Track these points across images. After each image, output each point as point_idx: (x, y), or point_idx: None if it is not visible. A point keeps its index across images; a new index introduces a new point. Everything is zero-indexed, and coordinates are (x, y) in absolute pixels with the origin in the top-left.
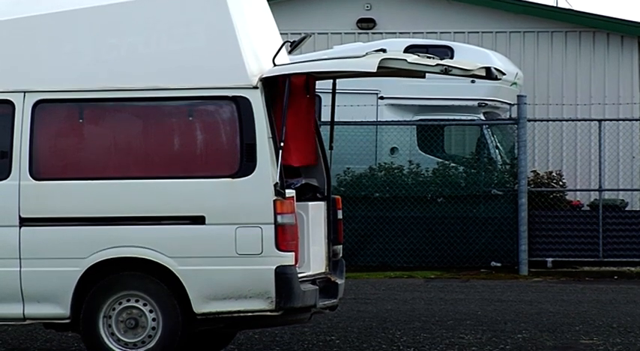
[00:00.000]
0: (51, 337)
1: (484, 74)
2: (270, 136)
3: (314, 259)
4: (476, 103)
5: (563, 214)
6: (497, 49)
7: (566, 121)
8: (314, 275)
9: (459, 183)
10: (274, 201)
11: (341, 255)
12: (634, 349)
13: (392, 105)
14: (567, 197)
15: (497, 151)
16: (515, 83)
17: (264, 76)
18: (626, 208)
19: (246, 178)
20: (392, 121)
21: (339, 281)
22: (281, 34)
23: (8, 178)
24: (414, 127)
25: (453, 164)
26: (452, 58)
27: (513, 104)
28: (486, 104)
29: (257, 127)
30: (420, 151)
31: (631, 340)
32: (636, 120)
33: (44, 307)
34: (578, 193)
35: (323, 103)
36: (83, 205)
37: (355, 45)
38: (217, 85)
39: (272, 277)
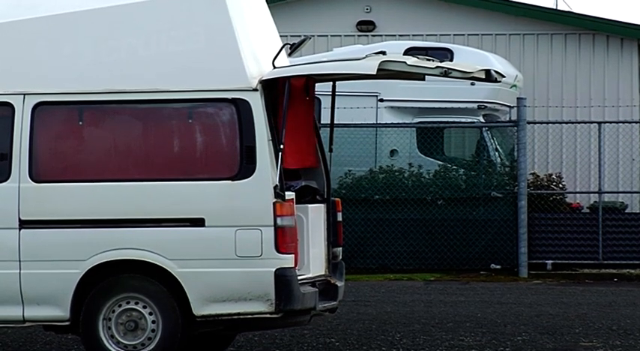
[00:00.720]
0: (50, 340)
1: (484, 77)
2: (270, 138)
3: (314, 262)
4: (475, 105)
5: (562, 216)
6: (496, 52)
7: (566, 123)
8: (314, 277)
9: (458, 185)
10: (274, 203)
11: (341, 257)
12: None
13: (392, 107)
14: (567, 200)
15: (496, 153)
16: (514, 86)
17: (263, 78)
18: (626, 211)
19: (245, 180)
20: (392, 123)
21: (339, 283)
22: (281, 36)
23: (8, 181)
24: (414, 129)
25: (452, 167)
26: (451, 60)
27: (513, 107)
28: (486, 107)
29: (257, 130)
30: (419, 154)
31: (631, 342)
32: (636, 122)
33: (44, 310)
34: (577, 195)
35: (323, 106)
36: (83, 207)
37: (355, 47)
38: (217, 87)
39: (272, 280)
